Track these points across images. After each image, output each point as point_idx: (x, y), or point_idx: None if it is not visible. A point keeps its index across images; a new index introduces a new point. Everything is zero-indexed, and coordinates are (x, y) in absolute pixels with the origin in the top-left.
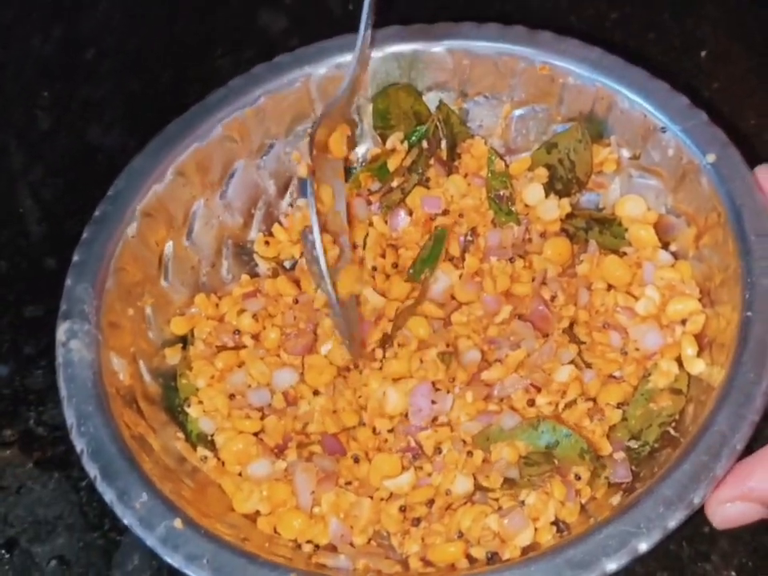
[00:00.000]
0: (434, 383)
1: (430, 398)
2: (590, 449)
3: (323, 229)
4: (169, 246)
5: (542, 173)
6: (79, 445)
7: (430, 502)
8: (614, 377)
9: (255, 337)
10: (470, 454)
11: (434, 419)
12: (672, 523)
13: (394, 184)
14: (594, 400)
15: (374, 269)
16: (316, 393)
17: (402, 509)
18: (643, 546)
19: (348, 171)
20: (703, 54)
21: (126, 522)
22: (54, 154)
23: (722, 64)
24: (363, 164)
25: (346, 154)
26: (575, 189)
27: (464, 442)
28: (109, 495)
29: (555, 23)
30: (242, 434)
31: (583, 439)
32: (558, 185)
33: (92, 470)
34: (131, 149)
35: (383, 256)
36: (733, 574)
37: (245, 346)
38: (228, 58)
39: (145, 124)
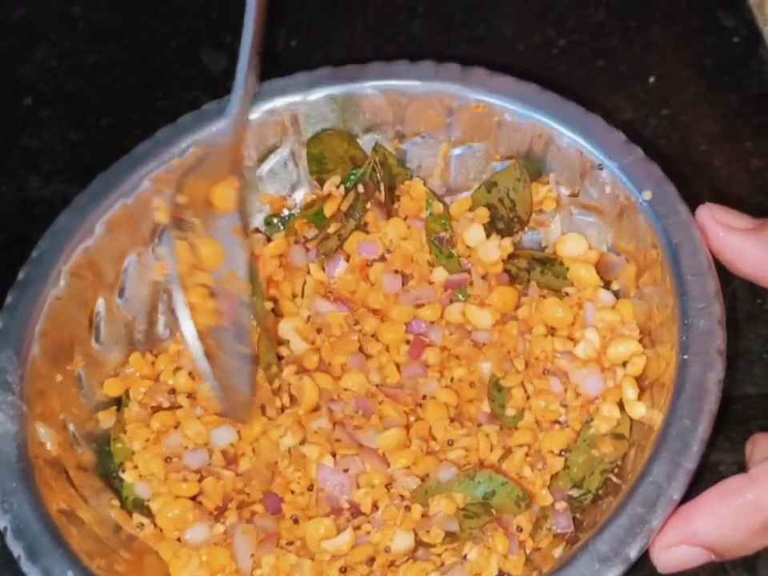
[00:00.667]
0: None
1: (338, 471)
2: (525, 496)
3: (187, 288)
4: (100, 305)
5: (483, 213)
6: (2, 522)
7: (371, 560)
8: (559, 422)
9: (191, 395)
10: (407, 508)
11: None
12: None
13: (331, 230)
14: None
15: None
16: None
17: (343, 570)
18: None
19: (286, 217)
20: (652, 79)
21: None
22: None
23: (671, 90)
24: (301, 209)
25: (236, 208)
26: (517, 228)
27: (402, 497)
28: (33, 575)
29: (501, 51)
30: (178, 498)
31: (519, 487)
32: (500, 224)
33: (16, 550)
34: (70, 199)
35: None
36: None
37: (180, 406)
38: (170, 99)
39: (86, 173)
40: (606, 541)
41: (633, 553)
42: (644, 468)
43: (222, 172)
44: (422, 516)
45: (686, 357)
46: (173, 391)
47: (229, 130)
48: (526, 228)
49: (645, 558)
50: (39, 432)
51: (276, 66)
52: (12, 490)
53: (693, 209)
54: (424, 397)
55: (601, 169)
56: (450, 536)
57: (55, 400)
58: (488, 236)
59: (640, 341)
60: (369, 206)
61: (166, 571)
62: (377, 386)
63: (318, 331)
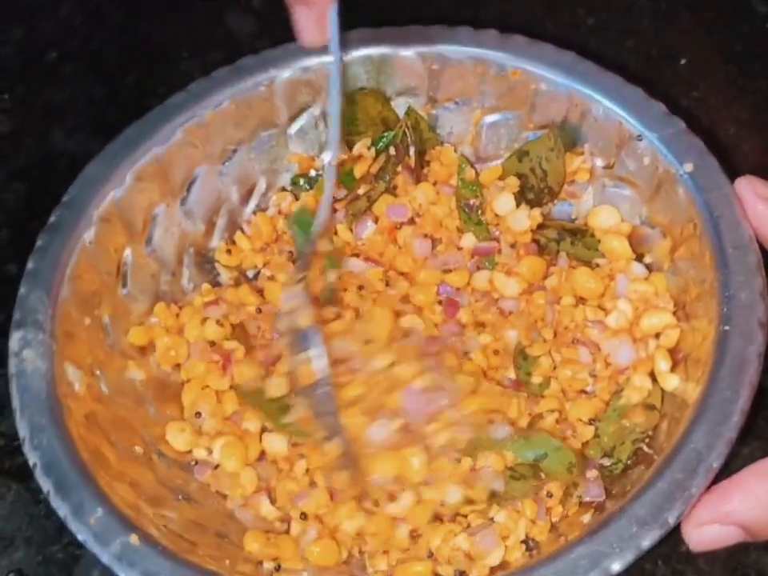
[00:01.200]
0: None
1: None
2: (577, 462)
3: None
4: (127, 254)
5: (513, 182)
6: (32, 458)
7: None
8: (585, 392)
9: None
10: (458, 460)
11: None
12: (646, 543)
13: (361, 191)
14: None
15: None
16: None
17: (414, 533)
18: (616, 567)
19: (314, 178)
20: (683, 62)
21: (80, 537)
22: (16, 158)
23: (701, 73)
24: None
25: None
26: (547, 199)
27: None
28: (63, 510)
29: (530, 29)
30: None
31: (572, 452)
32: (530, 194)
33: (45, 485)
34: (94, 153)
35: None
36: None
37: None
38: (194, 60)
39: (108, 128)
40: (645, 505)
41: (671, 518)
42: (683, 436)
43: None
44: (471, 470)
45: (726, 328)
46: (213, 344)
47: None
48: (556, 200)
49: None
50: (68, 371)
51: None
52: (41, 426)
53: None
54: (465, 353)
55: (640, 140)
56: (493, 496)
57: (83, 343)
58: (517, 205)
59: (674, 314)
60: (399, 169)
61: (195, 512)
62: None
63: (360, 288)
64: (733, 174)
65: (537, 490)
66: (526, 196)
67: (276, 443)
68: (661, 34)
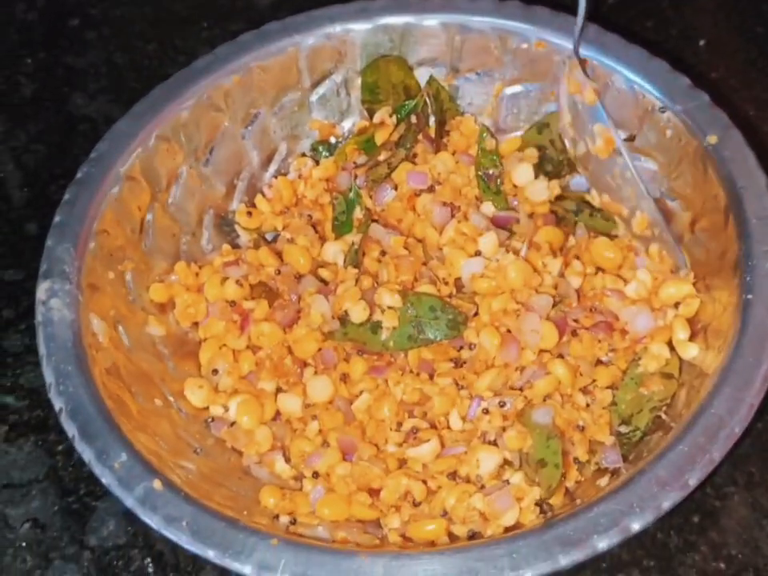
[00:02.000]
0: None
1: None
2: (556, 489)
3: None
4: (151, 212)
5: (532, 153)
6: (58, 404)
7: (452, 474)
8: (602, 361)
9: None
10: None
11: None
12: (666, 504)
13: (381, 158)
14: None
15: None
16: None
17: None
18: (636, 526)
19: (333, 145)
20: (702, 42)
21: (104, 481)
22: (37, 120)
23: (721, 54)
24: (349, 138)
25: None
26: (566, 171)
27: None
28: (87, 455)
29: (551, 4)
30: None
31: (560, 473)
32: (548, 166)
33: (70, 430)
34: (114, 118)
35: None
36: (722, 565)
37: None
38: (215, 30)
39: (128, 94)
40: (666, 467)
41: (692, 480)
42: (705, 401)
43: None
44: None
45: (749, 297)
46: (233, 303)
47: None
48: (575, 172)
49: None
50: (93, 323)
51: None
52: (68, 373)
53: None
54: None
55: (663, 112)
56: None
57: (107, 296)
58: (536, 177)
59: (693, 285)
60: (419, 137)
61: (212, 466)
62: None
63: (383, 253)
64: (757, 148)
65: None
66: (544, 167)
67: (290, 403)
68: (680, 15)
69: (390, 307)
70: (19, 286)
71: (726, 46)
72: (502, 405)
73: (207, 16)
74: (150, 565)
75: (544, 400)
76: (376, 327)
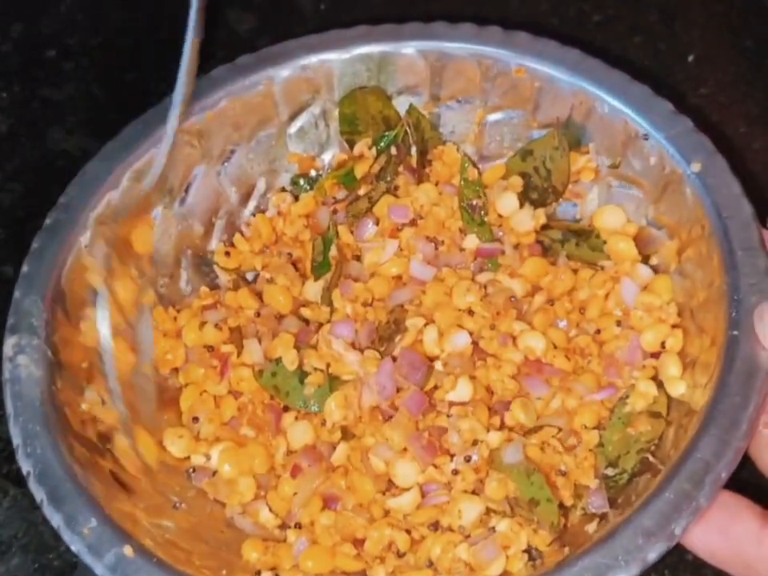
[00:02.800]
0: None
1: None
2: (559, 523)
3: None
4: (117, 261)
5: (517, 182)
6: (25, 467)
7: (434, 525)
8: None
9: None
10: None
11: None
12: (652, 556)
13: (361, 192)
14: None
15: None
16: None
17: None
18: None
19: (314, 178)
20: (691, 58)
21: (73, 548)
22: (13, 157)
23: (710, 69)
24: (329, 170)
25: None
26: (551, 198)
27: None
28: (56, 520)
29: (536, 25)
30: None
31: (558, 513)
32: (534, 194)
33: (38, 494)
34: (93, 152)
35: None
36: None
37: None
38: None
39: (107, 127)
40: (651, 516)
41: (678, 529)
42: (690, 444)
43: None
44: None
45: (735, 333)
46: (212, 348)
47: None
48: (561, 199)
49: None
50: (64, 377)
51: (303, 28)
52: (35, 433)
53: None
54: None
55: (646, 139)
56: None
57: (78, 348)
58: (521, 206)
59: (679, 314)
60: (400, 169)
61: (191, 520)
62: None
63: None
64: (743, 171)
65: (529, 524)
66: (529, 196)
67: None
68: (669, 30)
69: (315, 369)
70: None
71: (715, 60)
72: (467, 460)
73: None
74: None
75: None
76: (303, 377)
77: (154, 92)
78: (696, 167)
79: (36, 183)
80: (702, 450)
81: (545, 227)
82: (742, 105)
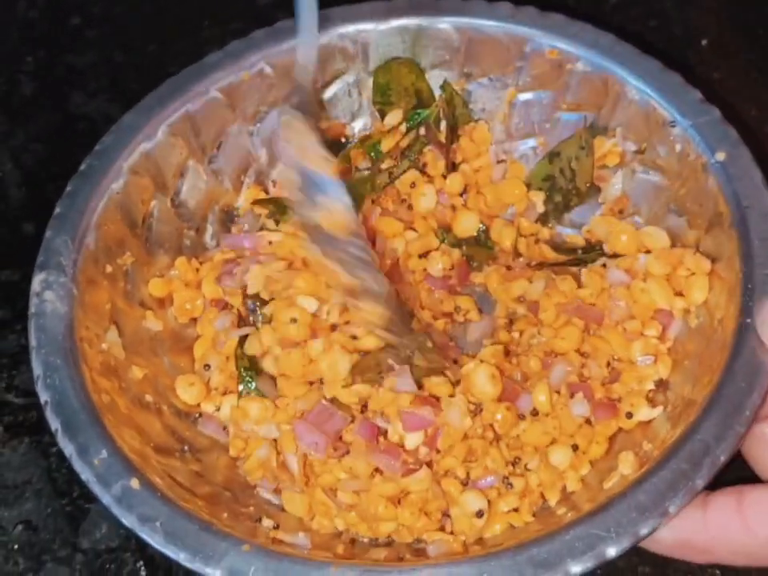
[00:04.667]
0: None
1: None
2: None
3: None
4: (154, 206)
5: (539, 197)
6: (43, 396)
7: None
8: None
9: None
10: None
11: None
12: (644, 530)
13: (384, 166)
14: None
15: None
16: None
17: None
18: (611, 552)
19: (342, 145)
20: (704, 42)
21: (82, 477)
22: (36, 119)
23: (723, 54)
24: (357, 139)
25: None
26: (575, 201)
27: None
28: (69, 449)
29: (553, 6)
30: None
31: None
32: (557, 196)
33: (54, 423)
34: (114, 117)
35: None
36: (717, 572)
37: None
38: (215, 29)
39: (128, 94)
40: (646, 492)
41: (672, 508)
42: (692, 424)
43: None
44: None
45: (748, 321)
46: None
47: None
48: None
49: None
50: (87, 316)
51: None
52: (56, 366)
53: None
54: None
55: (673, 126)
56: None
57: (103, 290)
58: (546, 211)
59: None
60: (427, 149)
61: (200, 465)
62: None
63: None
64: (753, 156)
65: None
66: (553, 199)
67: None
68: (684, 15)
69: None
70: (16, 286)
71: (728, 46)
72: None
73: (206, 16)
74: (143, 568)
75: None
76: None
77: (174, 61)
78: (720, 156)
79: (57, 145)
80: (703, 432)
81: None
82: (753, 89)
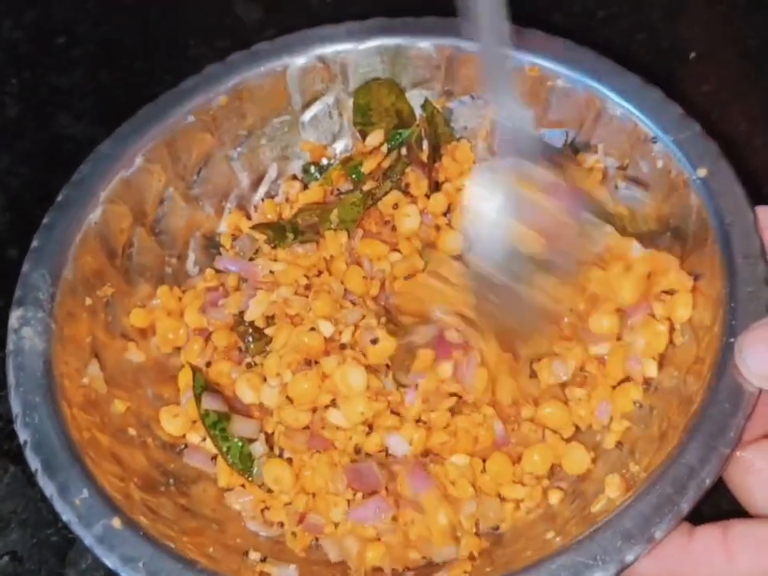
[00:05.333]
0: None
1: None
2: None
3: None
4: (133, 236)
5: None
6: (23, 435)
7: None
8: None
9: None
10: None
11: None
12: (630, 557)
13: (366, 188)
14: None
15: None
16: None
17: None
18: None
19: (324, 167)
20: (692, 55)
21: (63, 518)
22: (21, 142)
23: (712, 67)
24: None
25: None
26: None
27: None
28: (49, 489)
29: (538, 21)
30: None
31: None
32: None
33: (34, 463)
34: (100, 138)
35: None
36: None
37: None
38: (202, 47)
39: (115, 114)
40: (632, 518)
41: (658, 533)
42: (677, 447)
43: None
44: None
45: (732, 341)
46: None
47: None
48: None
49: None
50: (66, 351)
51: (310, 20)
52: (35, 404)
53: None
54: None
55: (655, 142)
56: None
57: (83, 323)
58: None
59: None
60: (409, 169)
61: (183, 497)
62: None
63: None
64: (743, 169)
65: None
66: None
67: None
68: (672, 27)
69: None
70: (1, 312)
71: (717, 58)
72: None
73: (193, 34)
74: None
75: None
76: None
77: (161, 80)
78: (702, 172)
79: (43, 167)
80: (688, 455)
81: None
82: (743, 103)
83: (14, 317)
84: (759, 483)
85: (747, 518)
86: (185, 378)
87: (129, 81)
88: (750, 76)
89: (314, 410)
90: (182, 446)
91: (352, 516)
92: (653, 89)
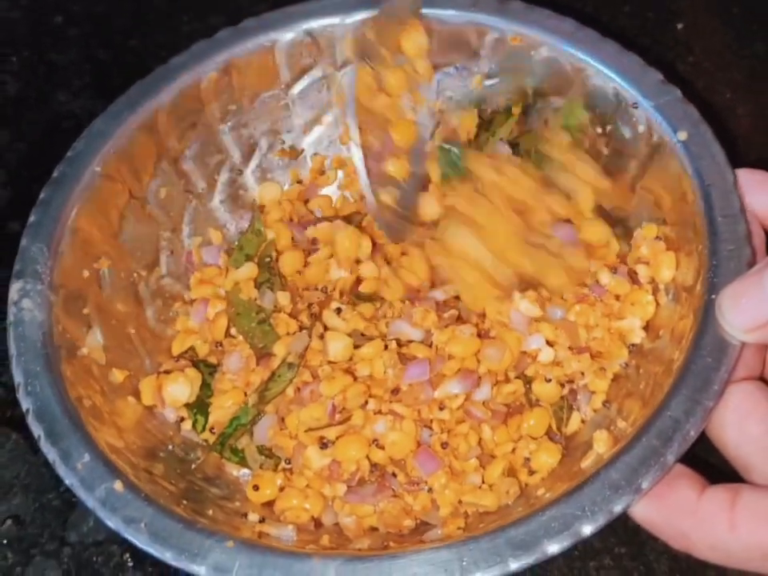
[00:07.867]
0: None
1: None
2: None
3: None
4: (129, 209)
5: None
6: (25, 404)
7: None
8: None
9: None
10: None
11: None
12: (618, 507)
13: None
14: None
15: None
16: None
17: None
18: (587, 530)
19: None
20: (680, 26)
21: (66, 482)
22: (21, 118)
23: (698, 37)
24: None
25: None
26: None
27: None
28: (52, 455)
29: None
30: None
31: None
32: None
33: (36, 430)
34: (97, 114)
35: None
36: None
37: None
38: (195, 24)
39: (112, 90)
40: (619, 470)
41: (645, 483)
42: (662, 402)
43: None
44: None
45: (713, 297)
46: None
47: None
48: None
49: None
50: (65, 322)
51: None
52: (36, 373)
53: None
54: None
55: (636, 107)
56: None
57: (81, 295)
58: None
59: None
60: None
61: (184, 464)
62: None
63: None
64: (727, 136)
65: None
66: None
67: None
68: None
69: None
70: (3, 284)
71: (703, 28)
72: None
73: (187, 11)
74: (129, 560)
75: None
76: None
77: (154, 56)
78: (682, 135)
79: (42, 143)
80: (673, 409)
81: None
82: (728, 72)
83: (14, 289)
84: (733, 419)
85: (757, 487)
86: (178, 346)
87: (125, 57)
88: (734, 46)
89: None
90: (179, 418)
91: (350, 499)
92: (632, 55)
